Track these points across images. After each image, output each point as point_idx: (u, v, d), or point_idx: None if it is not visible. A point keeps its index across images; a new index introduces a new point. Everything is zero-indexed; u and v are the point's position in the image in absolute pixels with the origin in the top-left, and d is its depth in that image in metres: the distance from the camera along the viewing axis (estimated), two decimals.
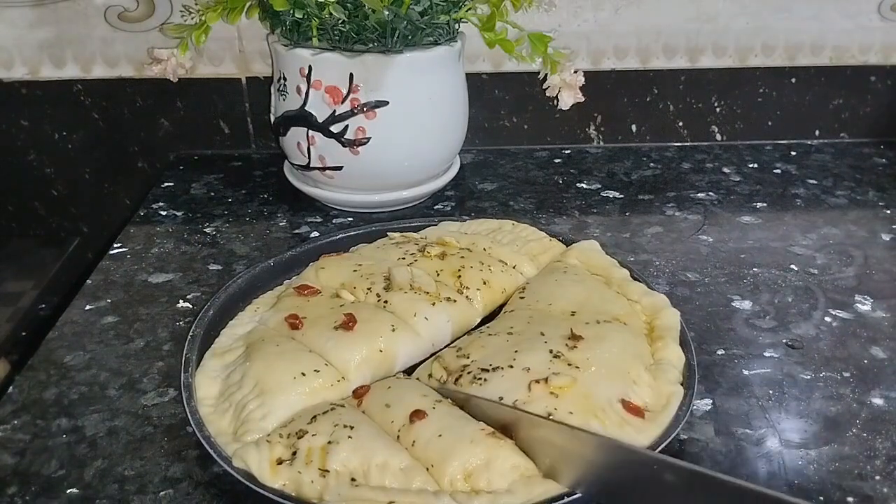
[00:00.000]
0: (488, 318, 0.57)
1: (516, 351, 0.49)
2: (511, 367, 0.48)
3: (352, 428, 0.44)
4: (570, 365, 0.48)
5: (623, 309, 0.55)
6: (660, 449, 0.43)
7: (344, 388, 0.49)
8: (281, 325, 0.53)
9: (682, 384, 0.49)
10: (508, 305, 0.58)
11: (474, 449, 0.42)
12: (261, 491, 0.41)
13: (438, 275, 0.59)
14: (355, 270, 0.59)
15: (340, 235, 0.67)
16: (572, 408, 0.45)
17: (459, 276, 0.58)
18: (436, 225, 0.68)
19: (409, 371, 0.53)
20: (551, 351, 0.49)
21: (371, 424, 0.45)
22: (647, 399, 0.47)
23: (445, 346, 0.54)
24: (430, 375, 0.51)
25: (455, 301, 0.56)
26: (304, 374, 0.48)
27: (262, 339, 0.52)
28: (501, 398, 0.46)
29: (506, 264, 0.61)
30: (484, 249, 0.63)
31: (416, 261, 0.60)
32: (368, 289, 0.57)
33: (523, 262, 0.62)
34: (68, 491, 0.44)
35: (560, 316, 0.54)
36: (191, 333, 0.53)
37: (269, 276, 0.62)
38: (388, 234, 0.67)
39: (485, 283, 0.58)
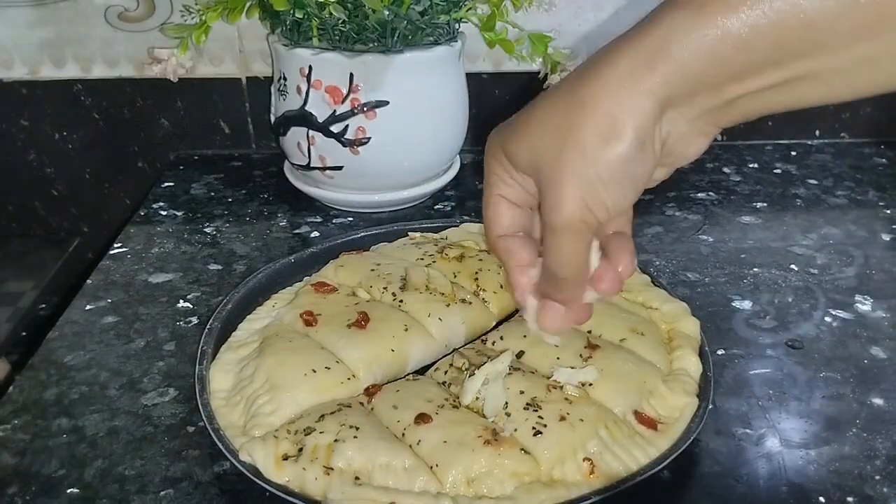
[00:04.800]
0: (503, 322, 0.56)
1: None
2: (533, 371, 0.49)
3: (358, 428, 0.44)
4: (581, 385, 0.48)
5: (639, 319, 0.54)
6: (668, 461, 0.43)
7: (354, 387, 0.49)
8: (296, 321, 0.53)
9: (697, 395, 0.48)
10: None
11: (476, 457, 0.42)
12: (265, 486, 0.41)
13: (455, 276, 0.58)
14: (373, 269, 0.59)
15: (363, 234, 0.67)
16: (584, 415, 0.45)
17: (477, 279, 0.58)
18: (457, 226, 0.68)
19: (422, 372, 0.52)
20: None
21: (377, 425, 0.45)
22: (661, 411, 0.47)
23: (461, 348, 0.54)
24: (450, 365, 0.51)
25: (471, 303, 0.56)
26: (314, 371, 0.48)
27: (276, 334, 0.52)
28: (522, 392, 0.46)
29: None
30: None
31: (434, 262, 0.60)
32: (384, 288, 0.57)
33: None
34: (68, 491, 0.44)
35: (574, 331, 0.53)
36: (208, 326, 0.54)
37: (290, 272, 0.62)
38: (409, 233, 0.67)
39: (502, 286, 0.58)
